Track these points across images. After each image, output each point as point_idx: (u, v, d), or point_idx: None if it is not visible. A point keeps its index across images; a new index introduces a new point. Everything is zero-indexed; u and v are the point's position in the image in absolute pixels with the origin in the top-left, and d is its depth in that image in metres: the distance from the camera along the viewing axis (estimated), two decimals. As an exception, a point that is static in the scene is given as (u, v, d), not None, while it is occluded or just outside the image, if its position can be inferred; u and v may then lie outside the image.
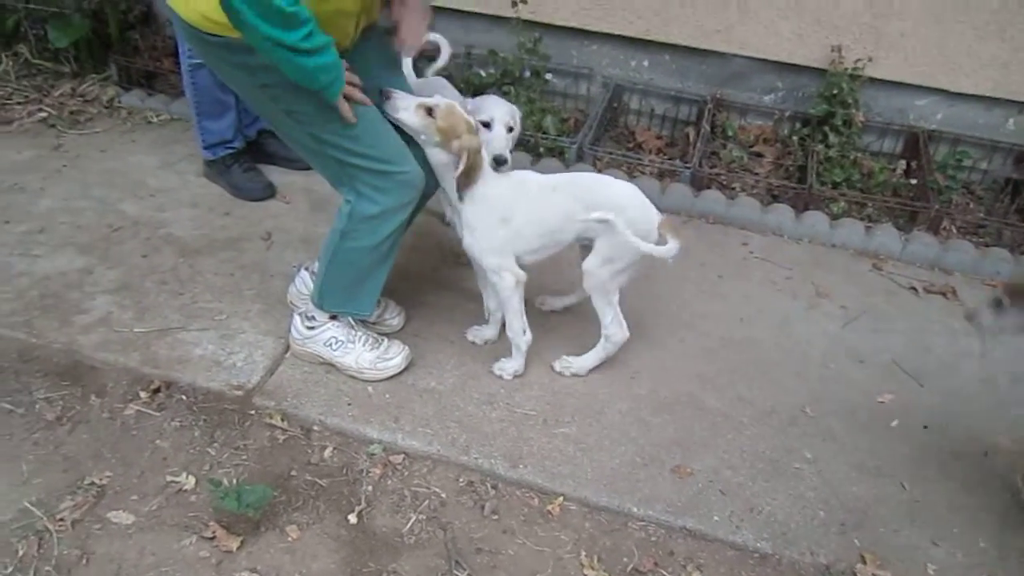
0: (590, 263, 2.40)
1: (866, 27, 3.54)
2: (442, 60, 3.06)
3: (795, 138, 3.76)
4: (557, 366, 2.60)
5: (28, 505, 2.11)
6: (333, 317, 2.49)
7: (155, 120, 3.88)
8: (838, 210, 3.43)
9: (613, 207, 2.30)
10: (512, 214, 2.34)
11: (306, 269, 2.68)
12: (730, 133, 3.80)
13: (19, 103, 3.93)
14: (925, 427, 2.53)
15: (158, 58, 4.15)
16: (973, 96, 3.60)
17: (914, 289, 3.11)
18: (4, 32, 4.21)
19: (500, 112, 2.44)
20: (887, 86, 3.67)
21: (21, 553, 2.00)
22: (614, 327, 2.51)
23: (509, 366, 2.56)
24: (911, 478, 2.35)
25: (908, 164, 3.66)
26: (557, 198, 2.36)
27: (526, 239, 2.39)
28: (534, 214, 2.36)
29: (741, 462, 2.36)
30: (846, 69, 3.56)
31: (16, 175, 3.39)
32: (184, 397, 2.46)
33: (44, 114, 3.85)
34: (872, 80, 3.60)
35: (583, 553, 2.10)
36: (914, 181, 3.55)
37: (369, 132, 2.16)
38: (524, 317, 2.48)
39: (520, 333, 2.50)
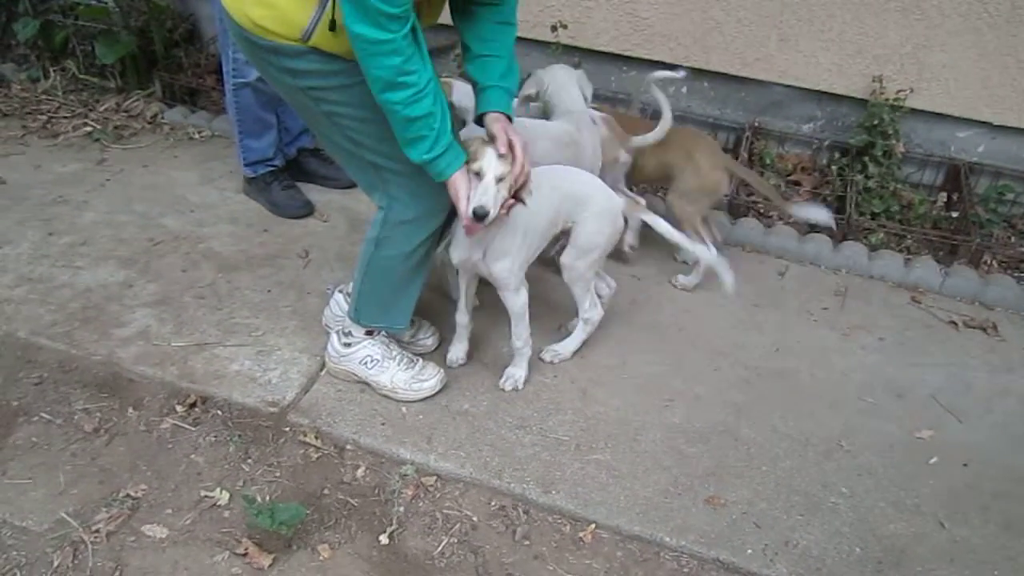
0: (568, 257, 2.52)
1: (908, 57, 3.52)
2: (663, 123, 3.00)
3: (834, 168, 3.74)
4: (547, 356, 2.69)
5: (64, 516, 2.14)
6: (369, 334, 2.50)
7: (197, 136, 3.94)
8: (876, 241, 3.40)
9: (583, 195, 2.46)
10: (524, 225, 2.36)
11: (340, 291, 2.69)
12: (768, 161, 3.78)
13: (65, 117, 4.02)
14: (965, 465, 2.48)
15: (201, 75, 4.22)
16: (1016, 129, 3.56)
17: (954, 323, 3.07)
18: (53, 48, 4.31)
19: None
20: (928, 117, 3.63)
21: (56, 563, 2.02)
22: (592, 310, 2.67)
23: (519, 374, 2.58)
24: (950, 517, 2.31)
25: (949, 196, 3.62)
26: (545, 193, 2.36)
27: (533, 245, 2.44)
28: (537, 216, 2.38)
29: (776, 495, 2.33)
30: (887, 100, 3.53)
31: (61, 188, 3.46)
32: (219, 412, 2.47)
33: (89, 128, 3.92)
34: (913, 111, 3.57)
35: (615, 582, 2.09)
36: (955, 214, 3.51)
37: None
38: None
39: (528, 341, 2.55)
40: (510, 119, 2.18)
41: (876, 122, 3.53)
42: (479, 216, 2.07)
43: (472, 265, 2.41)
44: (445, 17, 2.22)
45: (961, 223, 3.43)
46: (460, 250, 2.36)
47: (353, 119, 2.11)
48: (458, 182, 2.08)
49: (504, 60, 2.19)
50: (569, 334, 2.73)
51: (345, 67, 2.01)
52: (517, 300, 2.46)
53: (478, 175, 2.08)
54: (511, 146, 2.10)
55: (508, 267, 2.37)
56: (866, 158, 3.58)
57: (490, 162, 2.07)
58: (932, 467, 2.47)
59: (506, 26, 2.19)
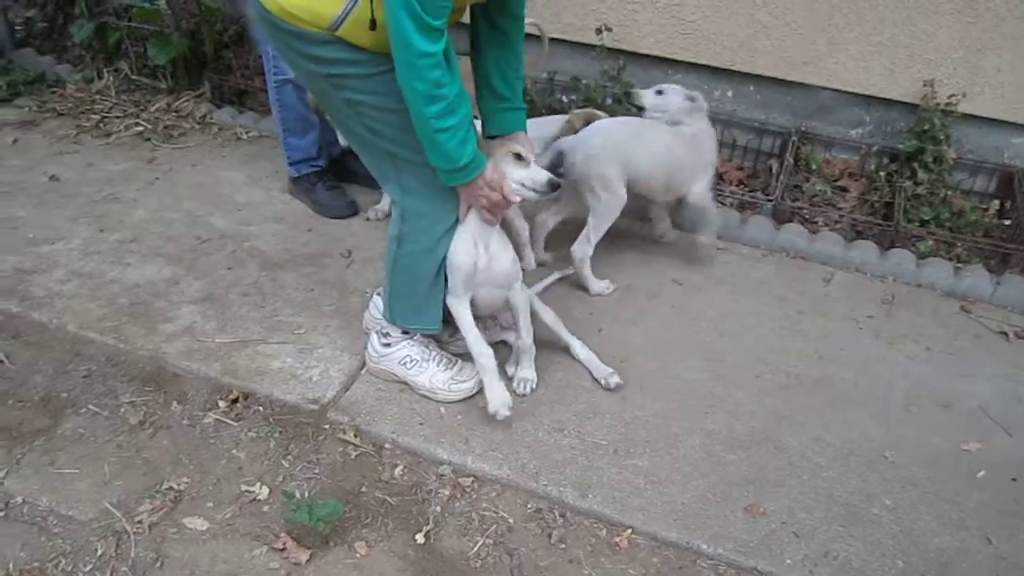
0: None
1: (960, 62, 3.45)
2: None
3: (882, 174, 3.67)
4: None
5: (108, 506, 2.18)
6: (406, 333, 2.52)
7: (244, 137, 4.00)
8: (925, 249, 3.33)
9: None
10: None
11: (378, 293, 2.71)
12: (814, 166, 3.73)
13: (118, 117, 4.11)
14: (1014, 479, 2.41)
15: (250, 77, 4.28)
16: (1073, 136, 3.47)
17: (1004, 334, 2.99)
18: (107, 49, 4.42)
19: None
20: (981, 123, 3.56)
21: (100, 552, 2.07)
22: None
23: (532, 375, 2.58)
24: (997, 533, 2.25)
25: (1001, 204, 3.54)
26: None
27: None
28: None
29: (816, 504, 2.29)
30: (938, 104, 3.47)
31: (112, 186, 3.54)
32: (261, 408, 2.51)
33: (140, 128, 4.01)
34: (965, 116, 3.50)
35: (650, 589, 2.07)
36: (1007, 222, 3.43)
37: None
38: None
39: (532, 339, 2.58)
40: None
41: (927, 127, 3.46)
42: (554, 185, 2.24)
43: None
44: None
45: (1014, 231, 3.35)
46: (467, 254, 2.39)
47: (373, 107, 2.12)
48: (489, 176, 2.19)
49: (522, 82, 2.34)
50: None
51: (369, 57, 2.04)
52: (523, 295, 2.50)
53: (519, 157, 2.24)
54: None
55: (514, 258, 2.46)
56: (916, 164, 3.51)
57: (527, 148, 2.28)
58: (979, 480, 2.41)
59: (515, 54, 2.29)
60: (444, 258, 2.38)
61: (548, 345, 2.69)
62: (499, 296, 2.47)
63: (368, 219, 3.36)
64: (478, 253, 2.36)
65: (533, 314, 2.60)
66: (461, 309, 2.42)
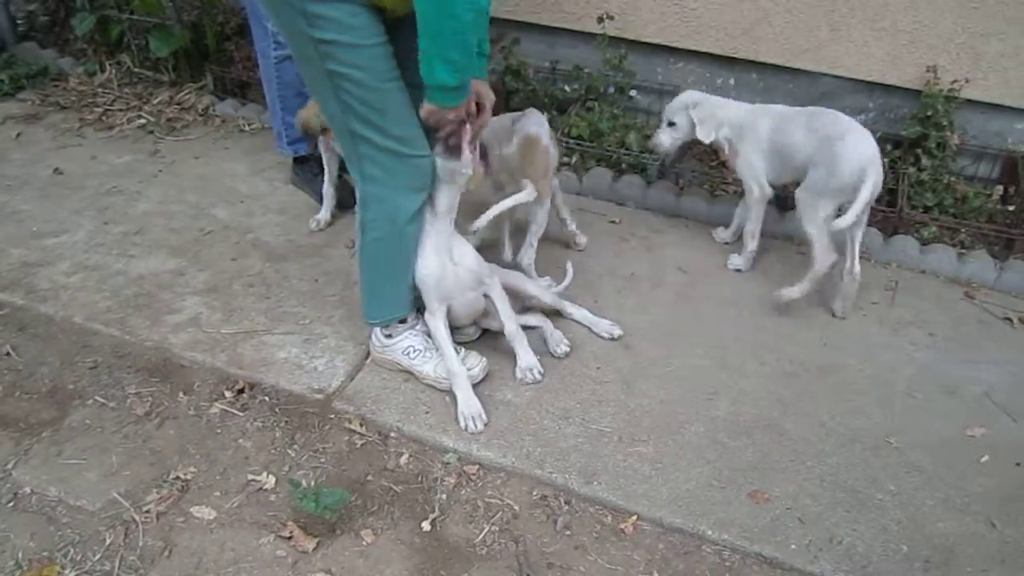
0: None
1: (963, 47, 3.43)
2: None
3: (885, 160, 3.66)
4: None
5: (116, 496, 2.19)
6: (402, 322, 2.53)
7: (247, 128, 4.01)
8: (929, 235, 3.33)
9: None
10: None
11: None
12: (817, 154, 3.71)
13: (120, 110, 4.12)
14: (1018, 464, 2.41)
15: (251, 69, 4.26)
16: (1077, 121, 3.46)
17: (1009, 320, 2.99)
18: (109, 42, 4.42)
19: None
20: (984, 108, 3.54)
21: (108, 542, 2.08)
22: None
23: (532, 360, 2.58)
24: (1001, 517, 2.25)
25: (1005, 190, 3.52)
26: None
27: None
28: None
29: (821, 490, 2.30)
30: (941, 90, 3.45)
31: (116, 178, 3.55)
32: (267, 398, 2.52)
33: (143, 120, 4.02)
34: (969, 102, 3.48)
35: (655, 574, 2.07)
36: (1011, 207, 3.42)
37: (397, 112, 2.18)
38: None
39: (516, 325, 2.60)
40: None
41: (930, 113, 3.45)
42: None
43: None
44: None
45: (1018, 217, 3.34)
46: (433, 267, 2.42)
47: (353, 82, 2.11)
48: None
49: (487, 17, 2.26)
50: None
51: (368, 24, 2.04)
52: (495, 283, 2.53)
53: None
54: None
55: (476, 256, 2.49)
56: (919, 150, 3.50)
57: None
58: (983, 466, 2.41)
59: None
60: (413, 249, 2.39)
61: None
62: (475, 299, 2.49)
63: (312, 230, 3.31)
64: (443, 263, 2.39)
65: (524, 295, 2.66)
66: (437, 323, 2.45)
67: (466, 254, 2.44)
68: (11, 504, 2.16)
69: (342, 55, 2.08)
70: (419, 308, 2.54)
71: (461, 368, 2.46)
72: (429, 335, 2.53)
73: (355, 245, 3.14)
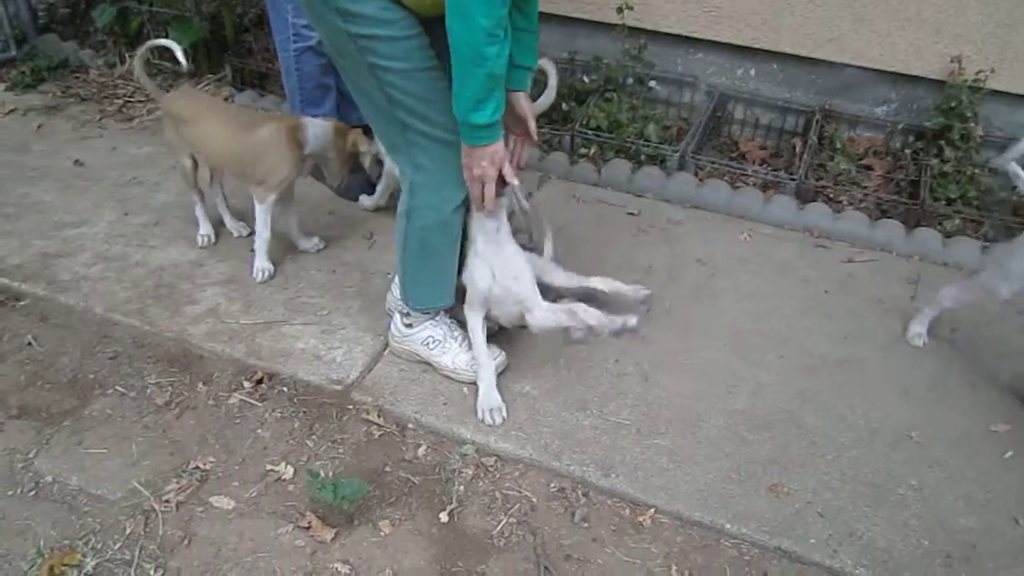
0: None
1: (989, 37, 3.39)
2: (549, 92, 3.11)
3: (908, 152, 3.62)
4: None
5: (137, 485, 2.21)
6: (426, 312, 2.52)
7: (265, 120, 4.00)
8: (952, 228, 3.29)
9: None
10: None
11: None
12: (838, 145, 3.68)
13: (140, 101, 4.13)
14: (1042, 459, 2.40)
15: (270, 60, 4.28)
16: (1105, 112, 3.41)
17: (1033, 313, 2.96)
18: (129, 34, 4.44)
19: None
20: (1010, 99, 3.49)
21: (128, 531, 2.09)
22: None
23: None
24: (1025, 513, 2.24)
25: (1030, 182, 3.48)
26: None
27: None
28: None
29: (841, 484, 2.28)
30: (966, 81, 3.41)
31: (135, 169, 3.56)
32: (285, 389, 2.52)
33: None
34: (994, 92, 3.44)
35: (674, 568, 2.07)
36: (1036, 200, 3.38)
37: (442, 100, 2.12)
38: None
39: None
40: None
41: (954, 104, 3.41)
42: None
43: None
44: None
45: (1043, 210, 3.30)
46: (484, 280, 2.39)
47: (396, 74, 2.09)
48: (498, 146, 2.12)
49: (536, 35, 2.25)
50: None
51: (401, 17, 2.01)
52: (539, 318, 2.43)
53: None
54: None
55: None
56: (942, 142, 3.46)
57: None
58: (1006, 461, 2.38)
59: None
60: (458, 238, 2.38)
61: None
62: (517, 314, 2.45)
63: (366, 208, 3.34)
64: (491, 276, 2.37)
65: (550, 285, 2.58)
66: (476, 318, 2.44)
67: (509, 274, 2.38)
68: (33, 493, 2.18)
69: (381, 48, 2.06)
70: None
71: (490, 362, 2.45)
72: (449, 326, 2.52)
73: (372, 237, 3.16)
